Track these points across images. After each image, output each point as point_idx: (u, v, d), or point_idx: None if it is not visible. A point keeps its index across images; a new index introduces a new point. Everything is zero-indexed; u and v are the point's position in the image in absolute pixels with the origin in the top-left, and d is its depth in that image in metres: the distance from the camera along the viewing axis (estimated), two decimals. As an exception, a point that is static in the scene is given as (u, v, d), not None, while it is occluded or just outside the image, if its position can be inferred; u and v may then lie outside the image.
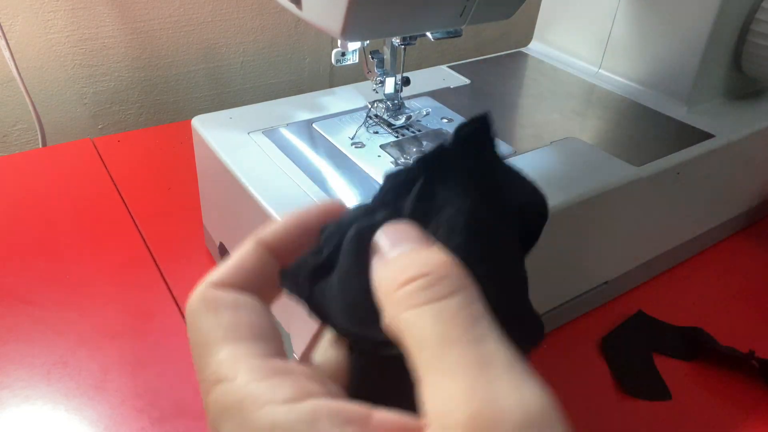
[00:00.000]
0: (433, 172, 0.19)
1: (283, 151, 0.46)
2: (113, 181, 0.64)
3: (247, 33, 0.85)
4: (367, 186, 0.43)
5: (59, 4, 0.71)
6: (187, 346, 0.46)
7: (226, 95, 0.87)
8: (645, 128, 0.54)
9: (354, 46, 0.47)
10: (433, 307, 0.15)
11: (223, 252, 0.52)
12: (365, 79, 0.52)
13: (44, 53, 0.73)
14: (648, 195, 0.49)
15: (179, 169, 0.67)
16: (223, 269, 0.19)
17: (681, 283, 0.57)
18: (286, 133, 0.49)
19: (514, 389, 0.14)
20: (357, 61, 0.48)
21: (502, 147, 0.49)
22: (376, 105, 0.51)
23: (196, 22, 0.80)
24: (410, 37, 0.46)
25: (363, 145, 0.48)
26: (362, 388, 0.19)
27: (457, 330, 0.15)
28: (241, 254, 0.19)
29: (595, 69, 0.63)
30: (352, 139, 0.49)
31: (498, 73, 0.64)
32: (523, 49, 0.69)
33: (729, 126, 0.54)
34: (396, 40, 0.47)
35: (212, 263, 0.55)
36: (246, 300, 0.18)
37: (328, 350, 0.20)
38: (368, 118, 0.51)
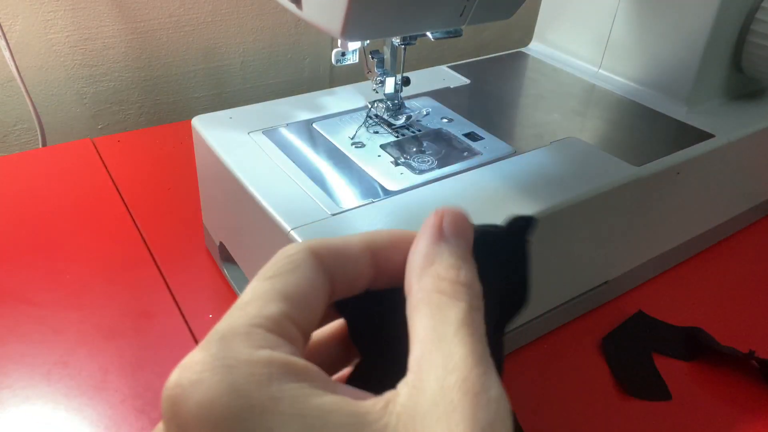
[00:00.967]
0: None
1: (283, 151, 0.46)
2: (113, 181, 0.64)
3: (247, 33, 0.85)
4: (367, 186, 0.43)
5: (59, 4, 0.71)
6: (187, 346, 0.47)
7: (226, 95, 0.87)
8: (645, 128, 0.54)
9: (354, 46, 0.47)
10: (455, 303, 0.17)
11: (223, 252, 0.52)
12: (365, 79, 0.52)
13: (44, 53, 0.73)
14: (648, 195, 0.49)
15: (179, 169, 0.67)
16: (323, 245, 0.19)
17: (681, 283, 0.57)
18: (286, 133, 0.49)
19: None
20: (357, 61, 0.48)
21: (503, 147, 0.49)
22: (376, 105, 0.51)
23: (196, 22, 0.80)
24: (410, 37, 0.46)
25: (363, 145, 0.48)
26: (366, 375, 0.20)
27: (475, 338, 0.16)
28: (344, 242, 0.19)
29: (595, 69, 0.63)
30: (352, 139, 0.49)
31: (498, 73, 0.64)
32: (523, 49, 0.69)
33: (729, 126, 0.54)
34: (396, 40, 0.47)
35: (212, 263, 0.55)
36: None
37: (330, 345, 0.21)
38: (368, 118, 0.51)
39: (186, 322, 0.48)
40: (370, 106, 0.51)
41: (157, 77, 0.81)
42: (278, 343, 0.16)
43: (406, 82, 0.50)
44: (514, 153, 0.48)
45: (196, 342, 0.47)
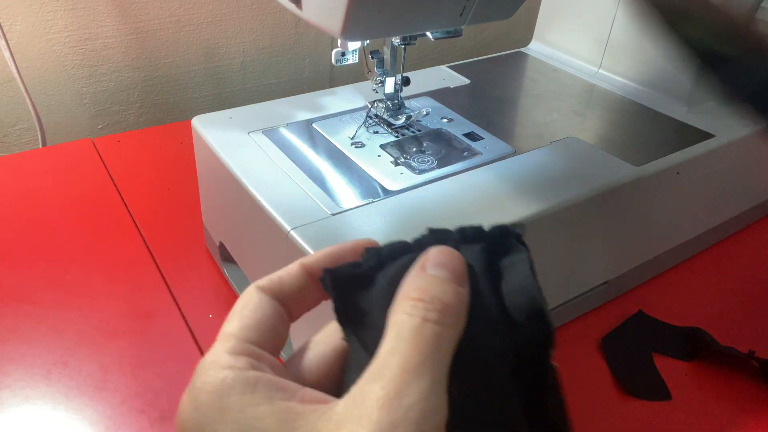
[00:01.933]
0: (465, 249, 0.21)
1: (283, 151, 0.46)
2: (113, 181, 0.64)
3: (247, 33, 0.85)
4: (367, 186, 0.43)
5: (59, 4, 0.71)
6: (186, 346, 0.47)
7: (226, 95, 0.87)
8: (645, 128, 0.54)
9: (354, 46, 0.47)
10: (410, 318, 0.18)
11: (223, 252, 0.52)
12: (365, 79, 0.52)
13: (44, 53, 0.73)
14: (648, 195, 0.49)
15: (179, 169, 0.67)
16: (267, 279, 0.22)
17: (681, 283, 0.57)
18: (286, 133, 0.49)
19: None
20: (357, 61, 0.48)
21: (502, 147, 0.49)
22: (376, 105, 0.51)
23: (196, 22, 0.80)
24: (410, 37, 0.46)
25: (363, 145, 0.48)
26: (354, 370, 0.20)
27: (416, 350, 0.17)
28: (286, 270, 0.23)
29: (595, 69, 0.63)
30: (352, 138, 0.49)
31: (498, 73, 0.64)
32: (523, 49, 0.69)
33: (729, 126, 0.54)
34: (396, 40, 0.47)
35: (212, 263, 0.55)
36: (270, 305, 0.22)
37: (319, 345, 0.23)
38: (368, 118, 0.51)
39: (186, 322, 0.48)
40: (370, 106, 0.51)
41: (157, 77, 0.81)
42: (239, 362, 0.19)
43: (406, 82, 0.50)
44: (514, 153, 0.48)
45: (196, 342, 0.47)
